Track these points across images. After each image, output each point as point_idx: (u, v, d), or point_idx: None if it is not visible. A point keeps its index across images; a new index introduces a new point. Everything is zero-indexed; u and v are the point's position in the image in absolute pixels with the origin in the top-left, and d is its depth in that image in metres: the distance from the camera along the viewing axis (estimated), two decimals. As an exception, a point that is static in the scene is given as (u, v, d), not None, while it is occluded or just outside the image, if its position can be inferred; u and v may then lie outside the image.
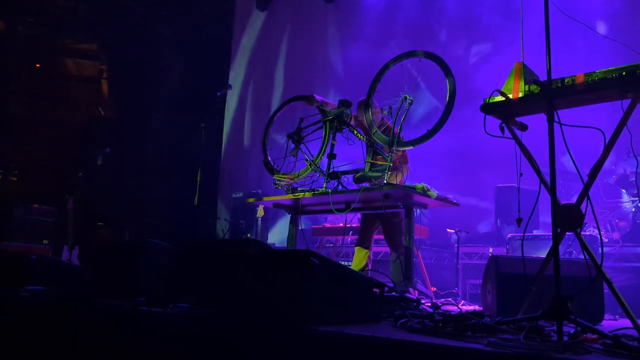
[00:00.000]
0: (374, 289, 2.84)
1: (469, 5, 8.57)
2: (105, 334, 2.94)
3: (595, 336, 2.10)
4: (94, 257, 4.01)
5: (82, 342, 3.01)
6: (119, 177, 8.85)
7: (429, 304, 3.57)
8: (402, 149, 4.22)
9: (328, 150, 4.34)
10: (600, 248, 2.56)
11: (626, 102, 2.65)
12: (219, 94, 6.89)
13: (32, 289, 3.78)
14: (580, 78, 2.66)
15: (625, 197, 6.02)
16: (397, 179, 4.62)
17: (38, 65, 10.48)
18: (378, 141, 4.22)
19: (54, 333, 3.19)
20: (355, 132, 4.31)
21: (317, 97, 4.59)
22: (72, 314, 3.16)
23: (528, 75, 2.85)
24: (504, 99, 2.85)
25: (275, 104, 4.94)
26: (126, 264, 3.55)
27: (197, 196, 5.41)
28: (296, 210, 4.71)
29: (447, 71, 3.85)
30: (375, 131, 4.34)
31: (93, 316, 3.06)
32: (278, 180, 4.51)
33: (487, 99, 2.91)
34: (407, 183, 4.16)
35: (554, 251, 2.32)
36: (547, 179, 2.54)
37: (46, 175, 9.21)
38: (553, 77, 2.54)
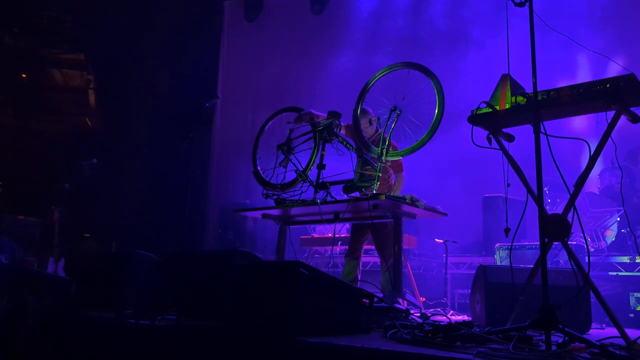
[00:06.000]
0: (364, 300, 2.84)
1: (457, 17, 8.67)
2: (92, 347, 2.91)
3: (582, 345, 2.12)
4: (80, 269, 3.97)
5: (68, 356, 2.97)
6: (105, 188, 8.78)
7: (418, 315, 3.57)
8: (391, 159, 4.25)
9: (318, 160, 4.34)
10: (586, 257, 2.59)
11: (610, 114, 2.69)
12: (207, 104, 6.88)
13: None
14: (565, 90, 2.71)
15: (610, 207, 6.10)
16: (390, 189, 4.67)
17: (24, 75, 10.40)
18: (367, 151, 4.25)
19: (40, 346, 3.14)
20: (345, 142, 4.32)
21: (304, 112, 4.59)
22: (58, 327, 3.11)
23: (514, 87, 2.89)
24: (491, 110, 2.89)
25: (263, 116, 4.95)
26: (113, 276, 3.52)
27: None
28: (285, 220, 4.71)
29: (435, 82, 3.89)
30: (365, 142, 4.36)
31: (79, 329, 3.03)
32: (267, 190, 4.51)
33: (475, 111, 2.95)
34: (404, 192, 4.18)
35: (541, 261, 2.35)
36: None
37: (32, 187, 9.11)
38: (539, 89, 2.58)
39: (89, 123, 10.61)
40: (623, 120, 2.70)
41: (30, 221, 7.60)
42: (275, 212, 4.51)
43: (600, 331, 3.70)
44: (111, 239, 8.40)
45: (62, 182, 7.36)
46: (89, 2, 9.65)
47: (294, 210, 4.36)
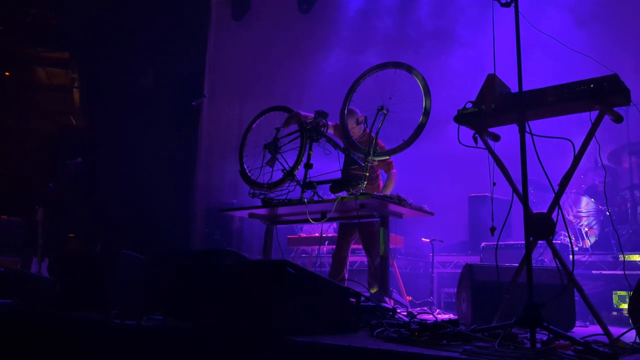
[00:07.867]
0: (351, 299, 2.85)
1: (444, 16, 8.72)
2: (77, 348, 2.87)
3: (567, 343, 2.14)
4: (65, 269, 3.92)
5: (52, 357, 2.94)
6: (90, 188, 8.68)
7: (405, 313, 3.59)
8: (378, 158, 4.26)
9: (305, 160, 4.34)
10: (570, 256, 2.62)
11: (594, 114, 2.72)
12: (194, 103, 6.85)
13: (0, 303, 3.67)
14: (550, 90, 2.73)
15: (593, 206, 6.16)
16: (378, 189, 4.68)
17: (7, 73, 10.26)
18: (355, 151, 4.25)
19: (23, 348, 3.10)
20: (332, 142, 4.32)
21: (293, 114, 4.58)
22: (43, 328, 3.08)
23: (500, 87, 2.91)
24: (477, 110, 2.90)
25: (250, 115, 4.95)
26: (98, 276, 3.48)
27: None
28: (272, 220, 4.70)
29: (422, 82, 3.91)
30: (352, 141, 4.36)
31: (64, 330, 2.99)
32: (254, 190, 4.49)
33: (461, 110, 2.96)
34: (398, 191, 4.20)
35: (526, 259, 2.37)
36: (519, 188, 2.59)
37: (15, 186, 8.99)
38: (524, 89, 2.60)
39: (74, 122, 10.49)
40: (607, 120, 2.73)
41: (13, 221, 7.49)
42: (262, 211, 4.50)
43: (584, 329, 3.75)
44: (96, 238, 8.30)
45: (46, 181, 7.27)
46: (74, 0, 9.54)
47: (281, 210, 4.35)
